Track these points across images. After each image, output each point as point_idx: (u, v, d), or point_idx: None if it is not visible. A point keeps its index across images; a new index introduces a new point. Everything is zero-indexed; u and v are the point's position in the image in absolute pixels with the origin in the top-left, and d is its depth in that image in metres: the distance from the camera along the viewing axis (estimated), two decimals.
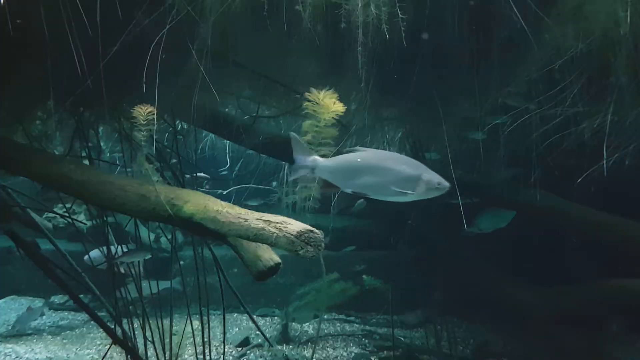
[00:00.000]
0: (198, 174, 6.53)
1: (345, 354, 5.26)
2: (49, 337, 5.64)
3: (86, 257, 4.38)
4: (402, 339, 5.56)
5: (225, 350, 5.01)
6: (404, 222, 5.56)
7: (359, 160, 2.65)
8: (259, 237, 2.24)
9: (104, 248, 4.07)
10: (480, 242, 4.93)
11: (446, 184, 2.56)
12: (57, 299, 6.56)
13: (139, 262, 4.46)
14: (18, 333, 5.61)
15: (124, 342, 3.74)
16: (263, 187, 7.92)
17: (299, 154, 2.72)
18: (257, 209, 2.40)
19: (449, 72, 3.62)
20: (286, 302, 5.79)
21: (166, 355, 3.88)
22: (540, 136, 3.71)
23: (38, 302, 6.54)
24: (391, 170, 2.60)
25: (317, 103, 2.57)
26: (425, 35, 3.28)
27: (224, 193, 7.66)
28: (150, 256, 4.60)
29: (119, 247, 4.08)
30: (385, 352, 5.19)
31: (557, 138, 3.65)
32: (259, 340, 5.48)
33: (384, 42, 2.93)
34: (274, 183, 7.78)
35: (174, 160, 4.14)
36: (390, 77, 3.46)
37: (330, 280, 5.25)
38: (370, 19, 2.89)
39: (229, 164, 8.37)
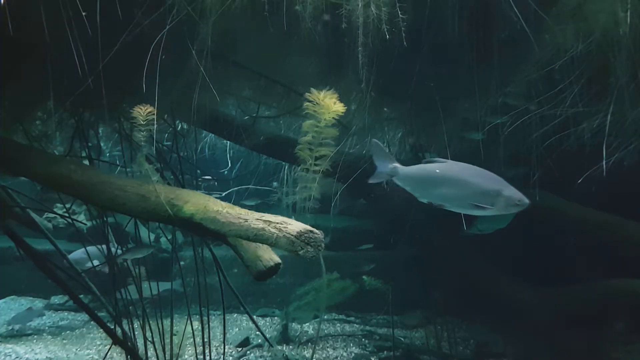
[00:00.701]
0: (203, 177, 6.56)
1: (345, 354, 5.26)
2: (49, 337, 5.64)
3: (72, 256, 4.37)
4: (402, 339, 5.56)
5: (225, 350, 5.01)
6: (404, 222, 5.56)
7: (438, 171, 2.63)
8: (259, 237, 2.24)
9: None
10: (480, 242, 4.93)
11: (526, 200, 2.52)
12: (57, 299, 6.57)
13: (139, 264, 4.47)
14: (18, 333, 5.62)
15: (124, 343, 3.74)
16: (263, 187, 7.91)
17: (381, 160, 2.68)
18: (255, 208, 2.41)
19: (449, 72, 3.62)
20: (286, 302, 5.78)
21: (166, 355, 3.88)
22: (541, 136, 3.71)
23: (38, 303, 6.55)
24: (471, 183, 2.57)
25: (317, 103, 2.57)
26: (425, 36, 3.28)
27: (223, 194, 7.65)
28: (152, 250, 4.60)
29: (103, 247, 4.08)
30: (385, 352, 5.19)
31: (557, 138, 3.65)
32: (259, 340, 5.48)
33: (384, 42, 2.93)
34: (275, 183, 7.78)
35: (175, 155, 4.12)
36: (390, 77, 3.45)
37: (329, 280, 5.25)
38: (370, 19, 2.89)
39: (229, 164, 8.37)
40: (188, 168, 4.46)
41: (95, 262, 4.19)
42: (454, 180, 2.61)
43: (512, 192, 2.56)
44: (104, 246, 3.98)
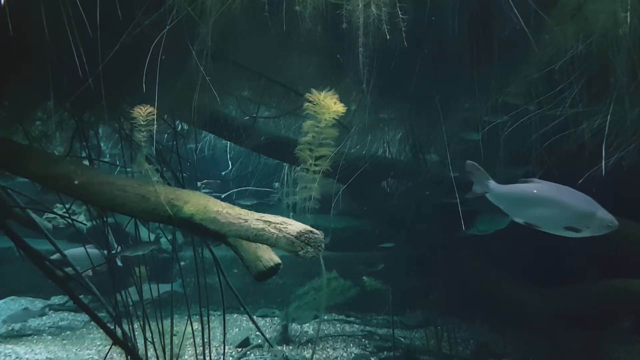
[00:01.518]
0: (207, 180, 6.59)
1: (345, 354, 5.26)
2: (49, 337, 5.64)
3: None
4: (402, 339, 5.56)
5: (225, 350, 5.01)
6: (404, 223, 5.56)
7: (535, 191, 2.64)
8: (259, 237, 2.24)
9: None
10: (480, 243, 4.92)
11: (616, 222, 2.55)
12: (57, 299, 6.57)
13: (139, 263, 4.46)
14: (18, 334, 5.62)
15: (124, 343, 3.74)
16: (263, 189, 7.91)
17: (477, 178, 2.76)
18: (252, 208, 2.41)
19: (449, 72, 3.62)
20: (286, 302, 5.79)
21: (166, 356, 3.87)
22: (541, 136, 3.71)
23: (38, 303, 6.54)
24: (568, 205, 2.63)
25: (317, 104, 2.56)
26: (425, 36, 3.28)
27: (222, 196, 7.65)
28: (153, 247, 4.60)
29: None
30: (385, 352, 5.19)
31: (558, 138, 3.64)
32: (259, 340, 5.48)
33: (384, 43, 2.93)
34: (276, 184, 7.79)
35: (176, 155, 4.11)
36: (390, 77, 3.45)
37: (329, 279, 5.25)
38: (371, 19, 2.89)
39: (230, 166, 8.37)
40: (190, 170, 4.45)
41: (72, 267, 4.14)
42: (550, 201, 2.66)
43: (604, 213, 2.63)
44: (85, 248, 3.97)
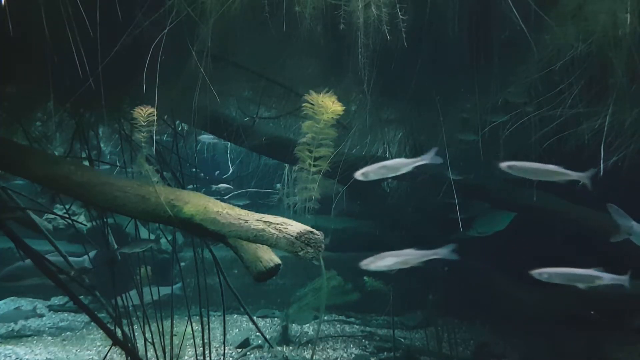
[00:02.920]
0: (220, 185, 6.63)
1: (345, 355, 5.25)
2: (49, 338, 5.64)
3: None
4: (402, 340, 5.55)
5: (226, 351, 5.01)
6: (403, 223, 5.56)
7: None
8: (259, 238, 2.24)
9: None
10: (481, 243, 4.92)
11: None
12: (57, 300, 6.56)
13: (139, 263, 4.46)
14: (18, 334, 5.62)
15: (124, 344, 3.73)
16: (263, 190, 7.90)
17: (619, 220, 2.98)
18: (245, 207, 2.41)
19: (450, 73, 3.62)
20: (286, 303, 5.78)
21: (166, 356, 3.87)
22: (541, 136, 3.70)
23: (39, 304, 6.54)
24: None
25: (316, 104, 2.57)
26: (425, 36, 3.28)
27: (225, 198, 7.64)
28: (152, 245, 4.59)
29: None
30: (385, 353, 5.18)
31: (557, 138, 3.64)
32: (259, 341, 5.47)
33: (384, 43, 2.93)
34: (278, 185, 7.78)
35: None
36: (390, 77, 3.45)
37: (328, 278, 5.25)
38: (371, 19, 2.89)
39: (231, 169, 8.36)
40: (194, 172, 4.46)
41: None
42: None
43: None
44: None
